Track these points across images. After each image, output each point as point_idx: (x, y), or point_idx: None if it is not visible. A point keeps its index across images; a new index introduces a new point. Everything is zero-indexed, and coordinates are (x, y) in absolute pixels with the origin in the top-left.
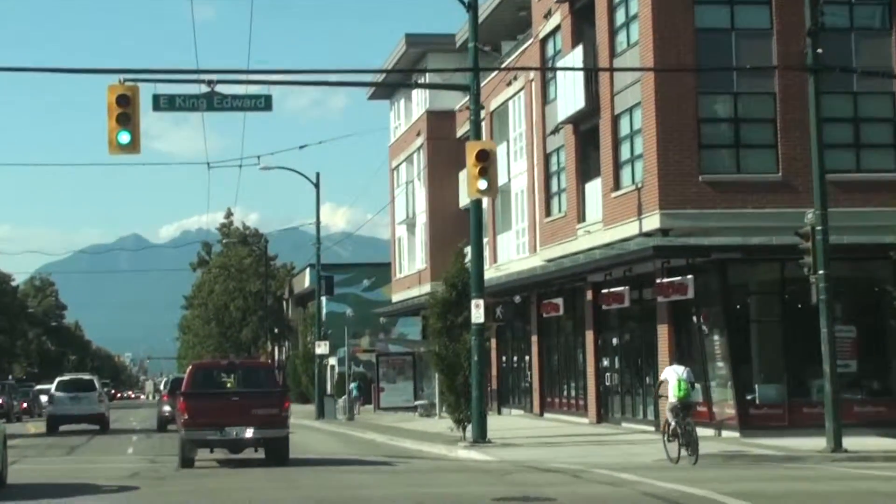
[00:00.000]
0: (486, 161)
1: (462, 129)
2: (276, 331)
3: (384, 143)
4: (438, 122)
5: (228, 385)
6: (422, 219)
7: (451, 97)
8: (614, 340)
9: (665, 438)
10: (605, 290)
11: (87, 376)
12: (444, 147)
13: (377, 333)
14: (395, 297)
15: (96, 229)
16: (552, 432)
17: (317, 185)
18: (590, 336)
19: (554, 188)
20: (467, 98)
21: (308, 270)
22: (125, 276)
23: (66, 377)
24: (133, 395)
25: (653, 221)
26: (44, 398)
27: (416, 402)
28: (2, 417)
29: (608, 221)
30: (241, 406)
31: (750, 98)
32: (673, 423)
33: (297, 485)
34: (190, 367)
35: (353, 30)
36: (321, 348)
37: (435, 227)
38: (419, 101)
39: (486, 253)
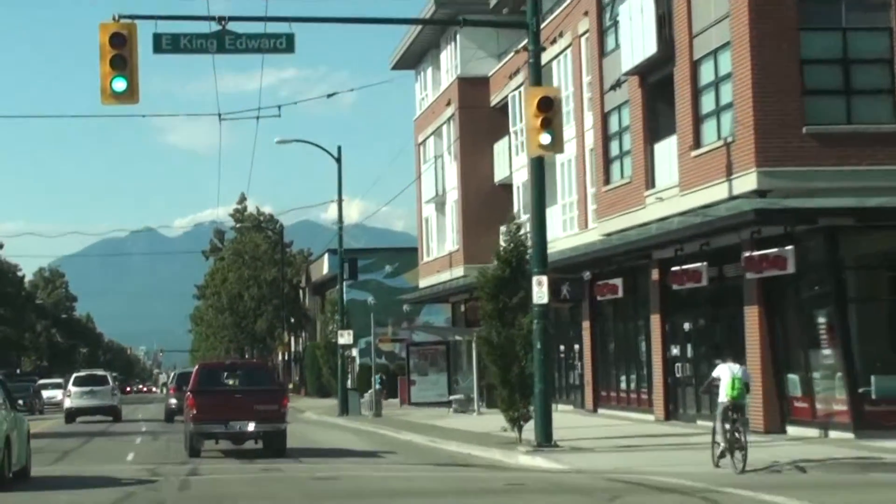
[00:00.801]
0: (550, 110)
1: (498, 95)
2: (292, 320)
3: (401, 133)
4: (471, 89)
5: (231, 383)
6: (453, 196)
7: (484, 62)
8: (686, 325)
9: (714, 441)
10: (676, 268)
11: (100, 372)
12: (478, 117)
13: (400, 322)
14: (423, 283)
15: (109, 223)
16: (617, 432)
17: (339, 160)
18: (656, 321)
19: (614, 152)
20: (503, 64)
21: (327, 256)
22: (139, 269)
23: (82, 373)
24: (145, 389)
25: (748, 182)
26: (46, 393)
27: (452, 397)
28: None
29: (686, 185)
30: (244, 402)
31: (862, 35)
32: (719, 427)
33: None
34: (196, 366)
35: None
36: (344, 338)
37: (468, 205)
38: (449, 68)
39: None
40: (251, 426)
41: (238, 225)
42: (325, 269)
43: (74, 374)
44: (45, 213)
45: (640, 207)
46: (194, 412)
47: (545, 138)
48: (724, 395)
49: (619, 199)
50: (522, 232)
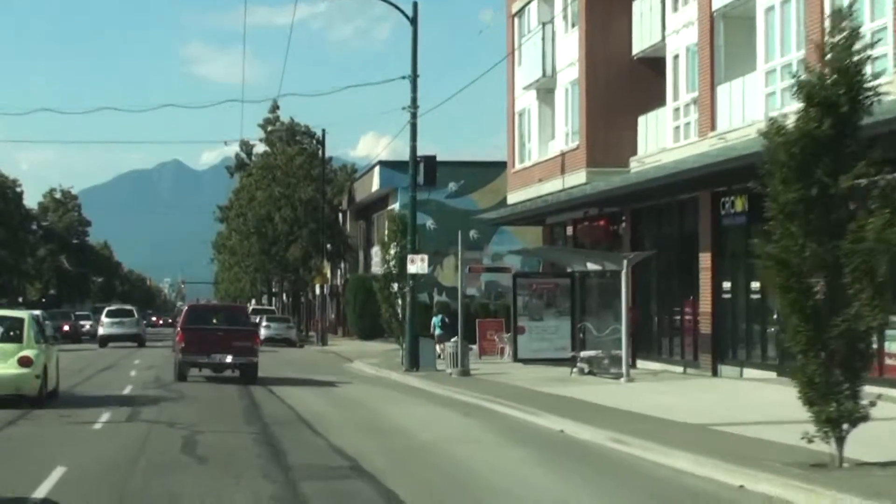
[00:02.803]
0: None
1: None
2: (329, 247)
3: (436, 83)
4: None
5: (214, 321)
6: (568, 75)
7: None
8: None
9: None
10: None
11: (128, 306)
12: None
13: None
14: (512, 198)
15: (137, 154)
16: None
17: (413, 21)
18: None
19: None
20: None
21: (377, 169)
22: (166, 201)
23: (113, 307)
24: (161, 321)
25: None
26: None
27: (582, 353)
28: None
29: None
30: (224, 339)
31: None
32: None
33: None
34: (186, 307)
35: None
36: (416, 265)
37: (594, 86)
38: None
39: (694, 116)
40: (229, 358)
41: (270, 129)
42: (375, 185)
43: (106, 308)
44: (72, 143)
45: None
46: (183, 345)
47: None
48: None
49: None
50: (860, 46)
